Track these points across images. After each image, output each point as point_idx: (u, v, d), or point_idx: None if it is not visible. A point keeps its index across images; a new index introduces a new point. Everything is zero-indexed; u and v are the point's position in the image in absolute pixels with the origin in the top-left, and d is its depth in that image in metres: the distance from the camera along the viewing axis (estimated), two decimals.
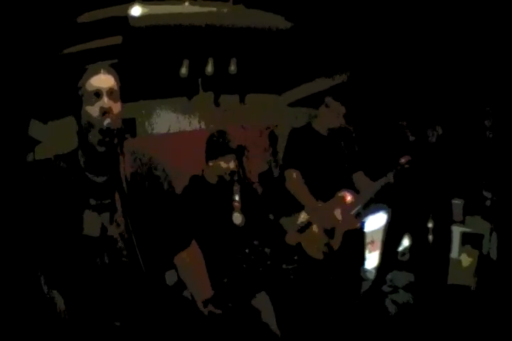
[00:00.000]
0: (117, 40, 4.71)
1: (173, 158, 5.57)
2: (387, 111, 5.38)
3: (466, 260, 5.24)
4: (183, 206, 2.96)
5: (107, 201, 1.87)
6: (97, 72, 1.87)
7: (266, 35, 4.57)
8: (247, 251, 3.13)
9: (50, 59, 4.39)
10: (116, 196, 1.87)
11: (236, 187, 3.27)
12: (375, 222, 5.02)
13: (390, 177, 3.86)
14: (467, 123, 5.13)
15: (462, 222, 5.44)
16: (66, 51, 4.51)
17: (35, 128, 4.89)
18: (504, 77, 4.71)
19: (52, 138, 4.50)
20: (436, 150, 4.80)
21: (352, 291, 4.36)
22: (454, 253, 5.26)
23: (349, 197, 3.89)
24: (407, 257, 5.14)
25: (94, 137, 1.83)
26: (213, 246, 2.99)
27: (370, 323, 4.26)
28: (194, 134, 5.98)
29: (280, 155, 4.57)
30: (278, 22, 4.42)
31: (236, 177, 3.28)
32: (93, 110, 1.83)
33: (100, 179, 1.90)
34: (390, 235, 4.77)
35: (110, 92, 1.85)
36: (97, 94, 1.83)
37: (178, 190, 3.20)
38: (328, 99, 3.94)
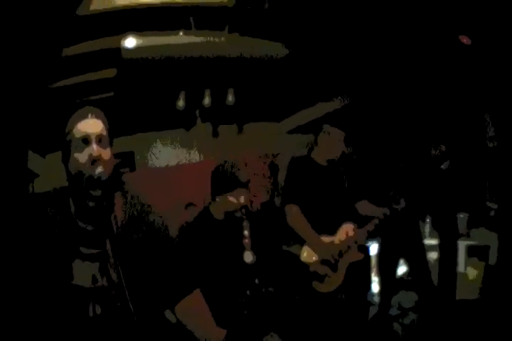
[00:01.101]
0: (111, 73, 4.68)
1: (174, 192, 5.55)
2: (387, 133, 5.32)
3: (472, 273, 5.21)
4: (185, 247, 2.78)
5: (98, 250, 1.75)
6: (84, 117, 1.76)
7: (263, 63, 4.51)
8: (248, 292, 2.83)
9: (43, 93, 4.33)
10: (108, 244, 1.75)
11: (245, 223, 2.96)
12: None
13: (402, 204, 3.77)
14: (469, 138, 5.12)
15: (467, 235, 5.42)
16: (61, 84, 4.47)
17: (34, 161, 4.83)
18: (503, 91, 4.66)
19: (51, 171, 4.41)
20: (441, 168, 4.73)
21: (361, 317, 4.28)
22: (460, 266, 5.16)
23: (353, 230, 3.76)
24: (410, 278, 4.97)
25: (84, 184, 1.72)
26: (221, 289, 2.79)
27: None
28: (194, 166, 5.94)
29: (281, 185, 4.46)
30: (274, 49, 4.36)
31: (245, 212, 2.97)
32: (82, 157, 1.72)
33: (91, 227, 1.77)
34: (385, 261, 4.62)
35: (99, 139, 1.74)
36: (86, 140, 1.72)
37: (180, 226, 3.05)
38: (327, 126, 3.86)
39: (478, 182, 5.22)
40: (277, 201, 5.79)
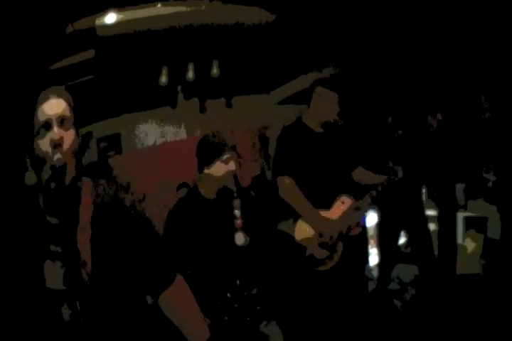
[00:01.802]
0: (90, 54, 4.48)
1: (163, 172, 5.42)
2: (383, 100, 5.19)
3: (470, 245, 5.26)
4: (172, 231, 2.65)
5: (65, 246, 1.62)
6: (46, 98, 1.64)
7: (248, 32, 4.33)
8: (228, 295, 2.64)
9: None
10: (78, 239, 1.62)
11: (236, 202, 2.76)
12: (374, 216, 4.91)
13: (400, 175, 3.63)
14: (465, 107, 5.04)
15: (464, 207, 5.39)
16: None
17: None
18: (498, 60, 4.63)
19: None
20: (437, 136, 4.66)
21: (360, 293, 4.18)
22: (459, 238, 5.23)
23: (349, 203, 3.62)
24: (410, 249, 5.03)
25: (47, 174, 1.60)
26: (209, 278, 2.63)
27: (383, 324, 4.11)
28: (183, 144, 5.79)
29: (272, 157, 4.30)
30: (259, 16, 4.19)
31: (235, 188, 2.76)
32: (44, 143, 1.60)
33: (57, 221, 1.64)
34: (385, 231, 4.64)
35: (61, 120, 1.62)
36: (47, 124, 1.61)
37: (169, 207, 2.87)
38: (319, 88, 3.66)
39: (475, 153, 5.14)
40: (269, 175, 5.68)
